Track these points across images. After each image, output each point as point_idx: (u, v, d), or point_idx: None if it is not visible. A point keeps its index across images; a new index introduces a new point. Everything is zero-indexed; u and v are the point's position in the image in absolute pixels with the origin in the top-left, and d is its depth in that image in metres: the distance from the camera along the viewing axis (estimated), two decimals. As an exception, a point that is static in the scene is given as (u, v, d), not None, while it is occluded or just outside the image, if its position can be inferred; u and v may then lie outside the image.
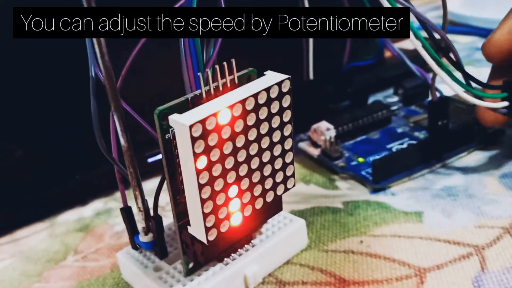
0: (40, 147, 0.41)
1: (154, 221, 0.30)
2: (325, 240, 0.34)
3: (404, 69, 0.50)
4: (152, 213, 0.31)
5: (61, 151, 0.41)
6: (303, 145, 0.44)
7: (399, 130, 0.44)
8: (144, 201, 0.30)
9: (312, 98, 0.45)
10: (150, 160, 0.43)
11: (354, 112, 0.44)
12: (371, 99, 0.49)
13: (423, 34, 0.31)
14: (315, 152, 0.43)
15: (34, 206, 0.42)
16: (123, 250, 0.33)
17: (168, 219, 0.35)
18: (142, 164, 0.30)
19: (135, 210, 0.31)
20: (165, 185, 0.30)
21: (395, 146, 0.42)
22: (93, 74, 0.29)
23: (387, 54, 0.56)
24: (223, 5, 0.27)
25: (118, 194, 0.43)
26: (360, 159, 0.41)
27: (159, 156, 0.43)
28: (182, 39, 0.28)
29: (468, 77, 0.33)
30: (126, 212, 0.32)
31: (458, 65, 0.32)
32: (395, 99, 0.48)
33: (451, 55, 0.32)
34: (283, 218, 0.33)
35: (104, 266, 0.35)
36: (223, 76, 0.27)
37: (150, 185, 0.36)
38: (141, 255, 0.32)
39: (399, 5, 0.29)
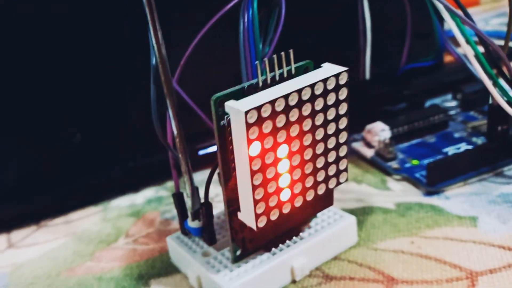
0: (98, 133, 0.42)
1: (204, 207, 0.31)
2: (374, 238, 0.33)
3: (463, 74, 0.48)
4: (203, 200, 0.31)
5: (117, 138, 0.42)
6: (357, 146, 0.43)
7: (456, 135, 0.43)
8: (193, 187, 0.31)
9: (367, 99, 0.45)
10: (201, 152, 0.44)
11: (410, 115, 0.43)
12: (428, 104, 0.48)
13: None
14: (368, 152, 0.42)
15: (88, 191, 0.43)
16: (173, 234, 0.33)
17: (216, 210, 0.35)
18: (193, 156, 0.31)
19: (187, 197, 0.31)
20: (215, 176, 0.30)
21: (451, 150, 0.41)
22: (154, 62, 0.30)
23: (447, 59, 0.55)
24: None
25: (169, 184, 0.44)
26: (415, 162, 0.40)
27: (210, 149, 0.44)
28: (242, 27, 0.28)
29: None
30: (178, 198, 0.32)
31: None
32: (454, 103, 0.47)
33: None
34: (334, 213, 0.33)
35: (154, 250, 0.35)
36: (280, 66, 0.27)
37: (200, 177, 0.36)
38: (190, 240, 0.32)
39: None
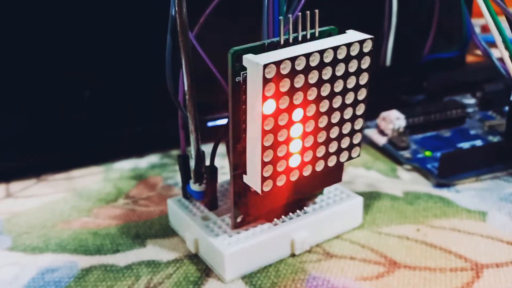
0: (108, 94, 0.41)
1: (209, 170, 0.30)
2: (379, 222, 0.32)
3: (485, 75, 0.47)
4: (208, 163, 0.30)
5: (127, 101, 0.41)
6: (369, 132, 0.42)
7: (472, 132, 0.42)
8: (199, 147, 0.30)
9: (385, 86, 0.44)
10: (209, 124, 0.43)
11: (428, 106, 0.42)
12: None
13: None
14: (381, 140, 0.41)
15: (92, 150, 0.42)
16: (174, 197, 0.33)
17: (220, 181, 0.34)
18: (201, 128, 0.30)
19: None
20: (221, 151, 0.29)
21: (466, 146, 0.40)
22: (173, 13, 0.29)
23: (470, 59, 0.54)
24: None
25: (174, 152, 0.43)
26: (428, 153, 0.39)
27: (219, 121, 0.43)
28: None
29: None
30: (183, 160, 0.31)
31: None
32: (472, 101, 0.46)
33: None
34: (340, 192, 0.32)
35: (153, 212, 0.35)
36: (303, 28, 0.26)
37: (207, 149, 0.35)
38: (191, 204, 0.32)
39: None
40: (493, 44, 0.33)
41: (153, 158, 0.42)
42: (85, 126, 0.41)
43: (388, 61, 0.42)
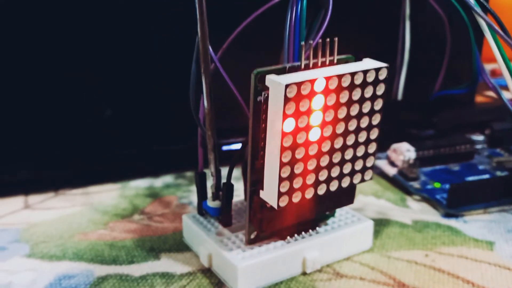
0: (128, 113, 0.42)
1: (225, 187, 0.31)
2: (389, 247, 0.33)
3: (494, 115, 0.49)
4: (225, 180, 0.31)
5: (145, 121, 0.43)
6: (380, 163, 0.43)
7: (481, 167, 0.43)
8: (217, 166, 0.31)
9: (396, 120, 0.45)
10: (224, 148, 0.44)
11: (437, 140, 0.43)
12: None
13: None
14: (391, 171, 0.42)
15: (109, 168, 0.43)
16: (189, 213, 0.34)
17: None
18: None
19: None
20: (236, 174, 0.30)
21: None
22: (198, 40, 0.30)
23: (479, 99, 0.56)
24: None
25: (188, 173, 0.44)
26: (437, 184, 0.40)
27: (233, 146, 0.44)
28: (288, 21, 0.29)
29: None
30: (200, 177, 0.32)
31: None
32: (481, 138, 0.47)
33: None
34: (352, 215, 0.33)
35: (167, 228, 0.36)
36: (323, 55, 0.28)
37: (223, 171, 0.36)
38: (206, 220, 0.32)
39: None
40: (502, 87, 0.35)
41: (168, 179, 0.43)
42: (103, 144, 0.42)
43: (399, 96, 0.44)
